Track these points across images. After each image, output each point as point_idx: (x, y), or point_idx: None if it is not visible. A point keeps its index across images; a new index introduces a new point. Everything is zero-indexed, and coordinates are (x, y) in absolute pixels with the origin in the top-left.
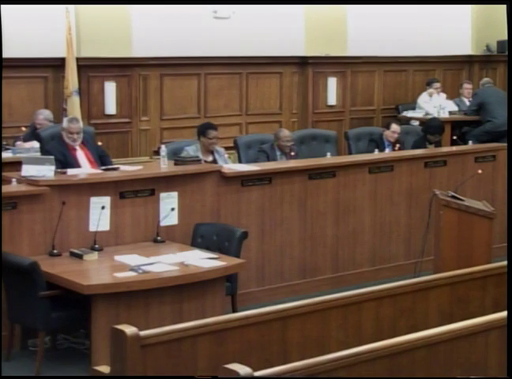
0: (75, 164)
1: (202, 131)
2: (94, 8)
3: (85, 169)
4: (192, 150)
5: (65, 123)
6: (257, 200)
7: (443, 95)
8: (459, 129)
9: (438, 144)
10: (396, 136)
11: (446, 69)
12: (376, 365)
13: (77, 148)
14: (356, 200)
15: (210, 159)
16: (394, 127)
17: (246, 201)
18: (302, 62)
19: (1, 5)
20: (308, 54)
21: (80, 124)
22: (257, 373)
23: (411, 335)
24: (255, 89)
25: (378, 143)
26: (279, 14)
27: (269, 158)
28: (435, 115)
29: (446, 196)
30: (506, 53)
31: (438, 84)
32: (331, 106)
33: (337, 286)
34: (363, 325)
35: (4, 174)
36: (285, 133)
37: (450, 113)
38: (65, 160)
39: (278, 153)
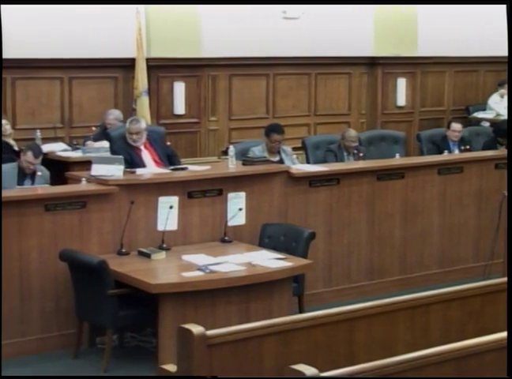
0: (140, 164)
1: (266, 132)
2: (164, 8)
3: (153, 168)
4: (258, 150)
5: (126, 124)
6: (324, 201)
7: None
8: None
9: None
10: (458, 134)
11: None
12: (444, 368)
13: (142, 148)
14: (425, 202)
15: (277, 158)
16: (454, 126)
17: (313, 202)
18: (371, 63)
19: (65, 7)
20: (378, 54)
21: (141, 124)
22: (324, 375)
23: (480, 339)
24: (324, 90)
25: (441, 145)
26: (348, 14)
27: (337, 158)
28: (506, 116)
29: None
30: None
31: None
32: (400, 107)
33: (405, 288)
34: (431, 328)
35: (74, 173)
36: (350, 133)
37: None
38: (131, 160)
39: (345, 153)
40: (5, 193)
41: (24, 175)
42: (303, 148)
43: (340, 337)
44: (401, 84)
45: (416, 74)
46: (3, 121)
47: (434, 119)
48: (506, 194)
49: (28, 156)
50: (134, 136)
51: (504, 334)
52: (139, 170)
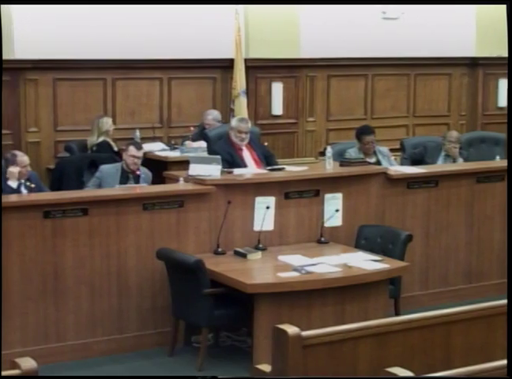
0: (241, 164)
1: (357, 136)
2: (263, 9)
3: (251, 169)
4: (354, 152)
5: (235, 123)
6: (422, 203)
7: None
8: None
9: None
10: None
11: None
12: None
13: (243, 148)
14: None
15: (373, 160)
16: None
17: (411, 204)
18: (472, 63)
19: (164, 7)
20: (479, 54)
21: (249, 124)
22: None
23: None
24: (423, 91)
25: None
26: (449, 14)
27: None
28: None
29: None
30: None
31: None
32: (501, 109)
33: (504, 292)
34: None
35: (171, 173)
36: (451, 134)
37: None
38: (232, 160)
39: (443, 154)
40: (105, 192)
41: (127, 177)
42: (402, 149)
43: (437, 341)
44: (503, 85)
45: None
46: (110, 121)
47: None
48: None
49: (131, 150)
50: (244, 135)
51: None
52: (236, 170)
